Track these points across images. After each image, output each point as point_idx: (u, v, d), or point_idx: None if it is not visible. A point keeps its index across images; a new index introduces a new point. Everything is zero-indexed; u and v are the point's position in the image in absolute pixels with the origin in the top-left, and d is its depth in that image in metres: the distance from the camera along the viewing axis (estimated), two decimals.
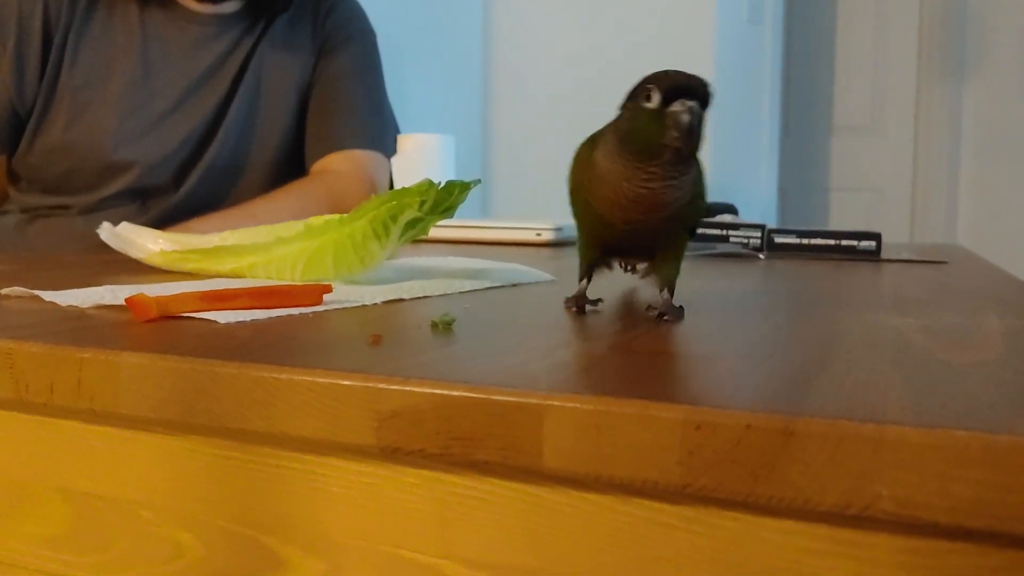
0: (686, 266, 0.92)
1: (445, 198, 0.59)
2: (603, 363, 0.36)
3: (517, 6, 2.60)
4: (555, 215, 1.43)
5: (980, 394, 0.31)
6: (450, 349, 0.39)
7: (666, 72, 0.44)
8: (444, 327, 0.44)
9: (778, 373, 0.34)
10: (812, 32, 3.00)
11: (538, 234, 1.20)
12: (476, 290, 0.62)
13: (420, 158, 1.26)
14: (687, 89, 0.43)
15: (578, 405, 0.30)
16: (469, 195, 0.62)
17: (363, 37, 1.38)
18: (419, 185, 0.59)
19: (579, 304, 0.52)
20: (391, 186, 1.35)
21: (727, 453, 0.28)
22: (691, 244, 1.13)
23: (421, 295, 0.58)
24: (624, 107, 0.46)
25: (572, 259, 1.01)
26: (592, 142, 0.49)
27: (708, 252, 1.04)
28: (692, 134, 0.43)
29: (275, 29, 1.31)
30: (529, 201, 2.53)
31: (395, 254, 0.68)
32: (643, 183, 0.45)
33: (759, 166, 2.63)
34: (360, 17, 1.40)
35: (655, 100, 0.44)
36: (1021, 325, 0.49)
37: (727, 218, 1.16)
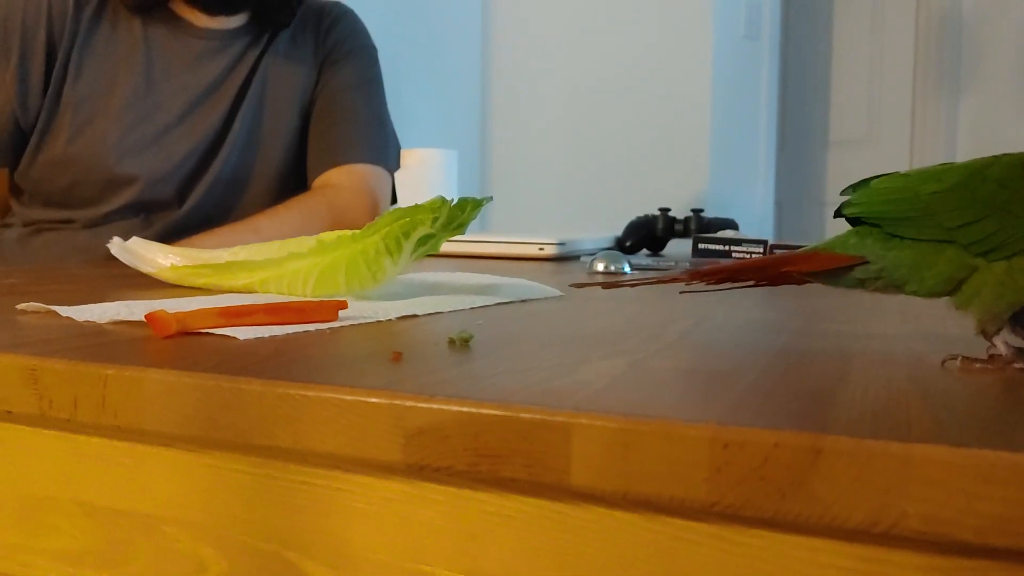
0: (668, 284, 0.93)
1: (457, 215, 0.60)
2: (625, 380, 0.36)
3: (515, 22, 2.62)
4: (553, 229, 1.44)
5: (999, 410, 0.32)
6: (471, 366, 0.39)
7: None
8: (462, 343, 0.45)
9: (800, 390, 0.35)
10: (808, 47, 3.02)
11: (541, 248, 1.20)
12: (487, 306, 0.63)
13: (424, 172, 1.27)
14: None
15: (605, 423, 0.30)
16: (486, 202, 0.62)
17: (364, 52, 1.39)
18: (432, 202, 0.60)
19: (1019, 356, 0.42)
20: (394, 200, 1.36)
21: (754, 471, 0.29)
22: (693, 260, 1.14)
23: (433, 311, 0.58)
24: None
25: (574, 274, 1.02)
26: None
27: None
28: None
29: (278, 43, 1.32)
30: (528, 215, 2.53)
31: (406, 270, 0.68)
32: None
33: (756, 180, 2.64)
34: (361, 32, 1.41)
35: None
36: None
37: (729, 233, 1.17)
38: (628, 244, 1.40)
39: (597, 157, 2.44)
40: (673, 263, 1.10)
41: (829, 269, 0.48)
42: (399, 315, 0.55)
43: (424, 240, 0.62)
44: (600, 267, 1.00)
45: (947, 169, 0.45)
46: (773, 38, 2.63)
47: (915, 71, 2.95)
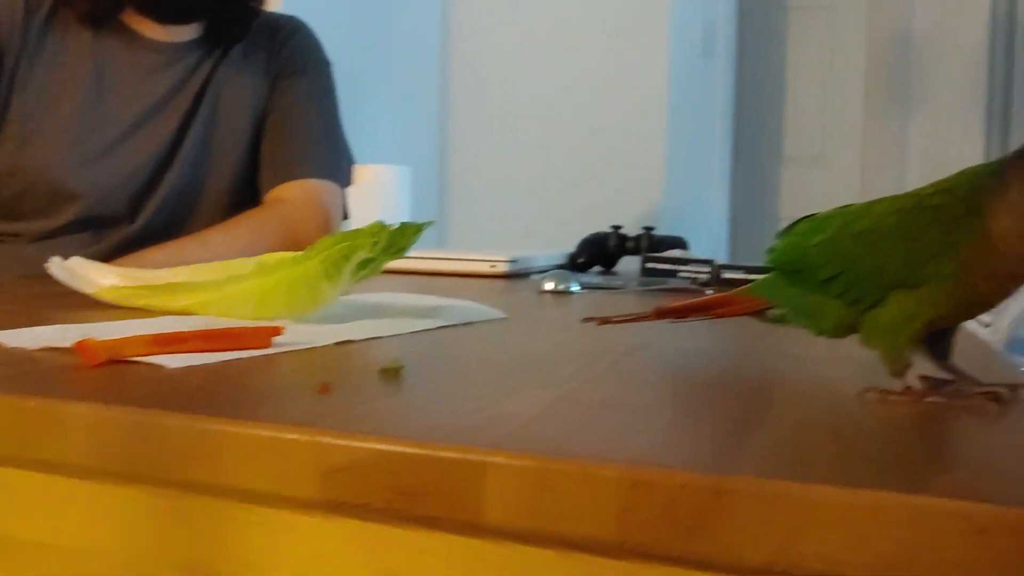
0: (634, 303, 0.94)
1: (397, 239, 0.60)
2: (550, 414, 0.37)
3: (474, 39, 2.63)
4: (511, 245, 1.45)
5: (902, 448, 0.33)
6: (398, 398, 0.40)
7: None
8: (393, 374, 0.45)
9: (717, 426, 0.36)
10: (763, 66, 3.07)
11: (492, 266, 1.21)
12: (428, 330, 0.63)
13: (377, 189, 1.27)
14: None
15: (520, 462, 0.31)
16: (425, 226, 0.63)
17: (319, 67, 1.39)
18: (371, 226, 0.60)
19: (933, 389, 0.43)
20: (346, 216, 1.35)
21: (662, 511, 0.29)
22: (640, 279, 1.15)
23: (372, 336, 0.58)
24: None
25: (524, 293, 1.03)
26: (939, 205, 0.42)
27: (657, 288, 1.06)
28: None
29: (231, 57, 1.31)
30: (486, 231, 2.54)
31: (349, 291, 0.68)
32: None
33: (711, 195, 2.67)
34: (316, 47, 1.41)
35: None
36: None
37: (676, 253, 1.18)
38: (580, 261, 1.41)
39: (555, 173, 2.46)
40: (622, 282, 1.11)
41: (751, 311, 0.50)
42: (336, 341, 0.55)
43: (364, 264, 0.62)
44: (549, 286, 1.01)
45: (833, 217, 0.47)
46: (728, 56, 2.67)
47: (866, 90, 3.01)
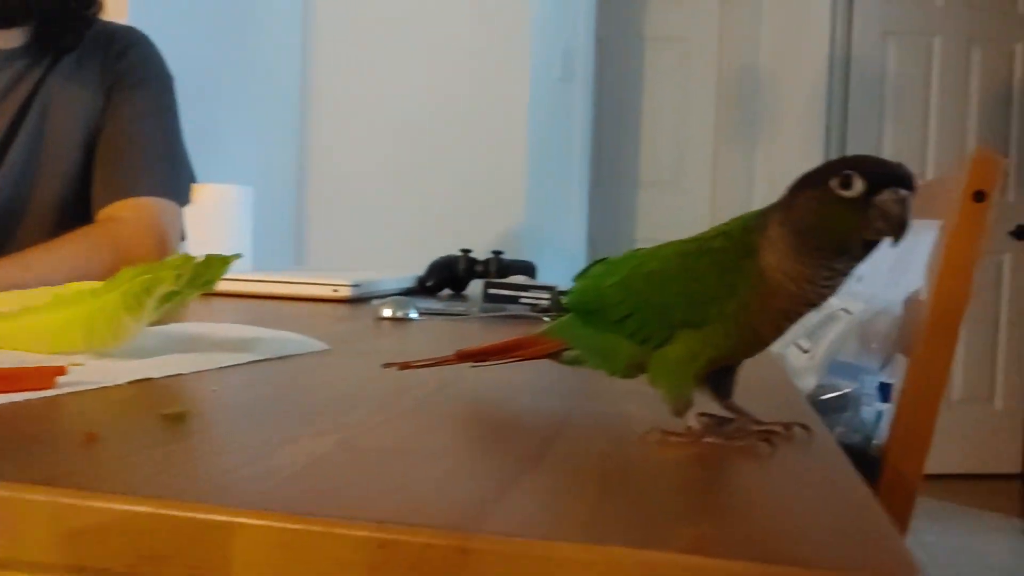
0: (473, 330, 0.95)
1: (203, 272, 0.58)
2: (320, 464, 0.36)
3: (335, 58, 2.60)
4: (369, 268, 1.43)
5: (663, 497, 0.34)
6: (168, 449, 0.38)
7: (866, 157, 0.40)
8: (176, 420, 0.43)
9: (486, 478, 0.36)
10: (621, 92, 3.16)
11: (335, 290, 1.19)
12: (238, 364, 0.61)
13: (216, 209, 1.23)
14: (897, 177, 0.39)
15: (267, 523, 0.30)
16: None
17: (158, 80, 1.34)
18: (175, 259, 0.58)
19: (713, 429, 0.44)
20: (184, 237, 1.31)
21: (409, 570, 0.29)
22: (482, 305, 1.15)
23: (174, 373, 0.56)
24: (803, 196, 0.41)
25: (363, 320, 1.01)
26: (718, 248, 0.44)
27: (498, 314, 1.07)
28: (904, 227, 0.39)
29: (62, 66, 1.25)
30: (345, 254, 2.51)
31: (159, 322, 0.65)
32: (825, 282, 0.41)
33: (570, 217, 2.72)
34: (156, 60, 1.36)
35: (857, 188, 0.39)
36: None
37: (519, 279, 1.19)
38: (429, 284, 1.41)
39: (416, 195, 2.46)
40: (464, 308, 1.11)
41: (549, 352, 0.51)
42: (132, 379, 0.53)
43: (169, 297, 0.59)
44: (387, 313, 1.00)
45: (626, 259, 0.49)
46: (587, 82, 2.73)
47: (717, 119, 3.15)
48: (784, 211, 0.42)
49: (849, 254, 0.41)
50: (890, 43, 3.13)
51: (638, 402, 0.54)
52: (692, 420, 0.44)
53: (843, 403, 1.09)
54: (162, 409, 0.45)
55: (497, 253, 1.44)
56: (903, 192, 0.39)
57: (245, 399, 0.50)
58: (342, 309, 1.12)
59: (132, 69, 1.31)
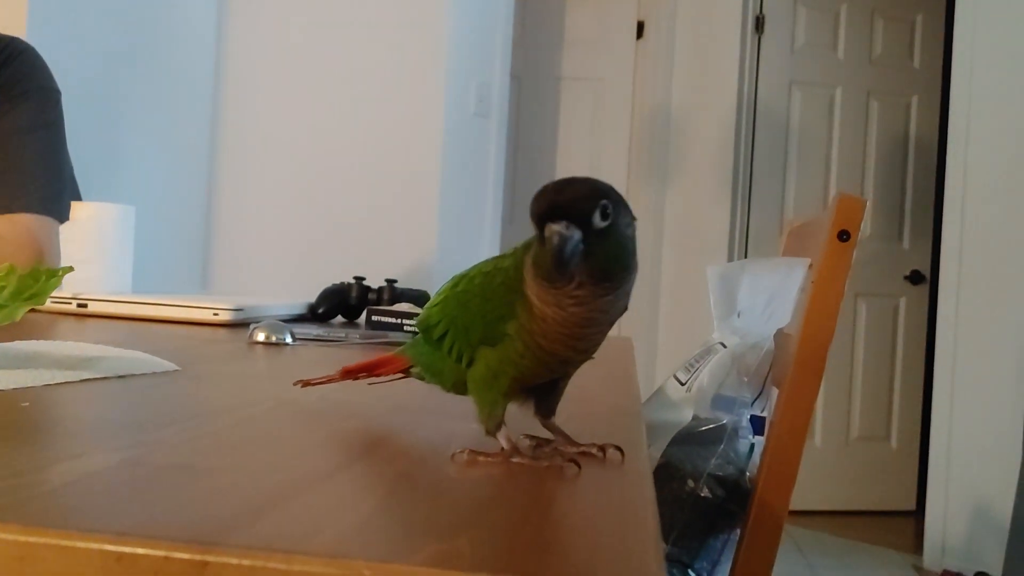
0: (345, 356, 0.93)
1: (30, 285, 0.56)
2: (90, 480, 0.35)
3: (249, 84, 2.58)
4: (274, 294, 1.41)
5: (435, 514, 0.34)
6: None
7: (541, 191, 0.40)
8: None
9: (242, 496, 0.35)
10: (536, 129, 3.20)
11: (215, 314, 1.16)
12: (67, 383, 0.59)
13: (94, 227, 1.20)
14: (556, 209, 0.39)
15: (3, 535, 0.29)
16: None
17: (42, 94, 1.31)
18: None
19: (527, 449, 0.45)
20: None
21: None
22: (364, 332, 1.14)
23: None
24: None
25: (235, 344, 0.99)
26: (506, 267, 0.44)
27: (373, 341, 1.06)
28: (559, 258, 0.39)
29: None
30: (252, 279, 2.47)
31: None
32: (574, 306, 0.41)
33: (483, 251, 2.73)
34: (41, 72, 1.33)
35: (535, 223, 0.40)
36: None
37: (405, 307, 1.19)
38: (320, 311, 1.39)
39: (327, 224, 2.44)
40: (343, 334, 1.10)
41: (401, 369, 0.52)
42: None
43: None
44: (260, 336, 0.98)
45: (448, 283, 0.49)
46: (502, 117, 2.76)
47: (629, 158, 3.21)
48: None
49: (573, 281, 0.41)
50: (795, 92, 3.24)
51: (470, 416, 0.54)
52: (504, 440, 0.44)
53: (719, 435, 1.10)
54: None
55: (391, 282, 1.43)
56: (554, 227, 0.39)
57: (52, 416, 0.48)
58: (221, 333, 1.10)
59: (15, 81, 1.28)
